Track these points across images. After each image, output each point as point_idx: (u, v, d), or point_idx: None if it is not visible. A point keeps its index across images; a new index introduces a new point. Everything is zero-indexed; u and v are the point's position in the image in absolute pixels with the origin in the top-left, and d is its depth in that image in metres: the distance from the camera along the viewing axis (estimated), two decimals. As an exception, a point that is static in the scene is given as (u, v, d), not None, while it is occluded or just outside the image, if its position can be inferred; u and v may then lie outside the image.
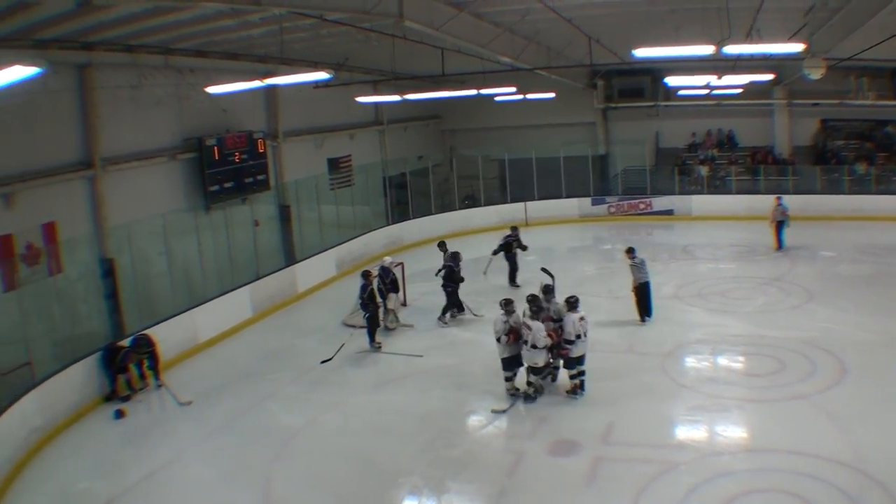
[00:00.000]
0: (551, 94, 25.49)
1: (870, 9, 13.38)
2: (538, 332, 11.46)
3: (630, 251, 15.53)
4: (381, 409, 11.95)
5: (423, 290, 17.96)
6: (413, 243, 23.97)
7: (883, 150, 27.47)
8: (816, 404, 11.05)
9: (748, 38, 13.96)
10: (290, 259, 20.82)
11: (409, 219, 25.23)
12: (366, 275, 15.00)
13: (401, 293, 17.14)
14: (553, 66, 20.64)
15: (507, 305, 11.89)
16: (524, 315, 11.94)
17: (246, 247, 19.06)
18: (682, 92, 25.99)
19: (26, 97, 13.14)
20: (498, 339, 11.71)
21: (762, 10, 13.27)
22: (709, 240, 23.83)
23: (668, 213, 27.59)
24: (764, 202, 23.02)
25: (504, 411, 11.47)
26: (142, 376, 13.58)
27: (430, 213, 25.90)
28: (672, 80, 22.56)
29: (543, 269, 14.66)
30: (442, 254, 17.07)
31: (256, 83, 16.88)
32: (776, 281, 18.30)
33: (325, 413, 12.03)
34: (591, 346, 11.99)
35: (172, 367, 14.48)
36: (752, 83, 22.77)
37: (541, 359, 11.61)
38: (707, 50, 11.62)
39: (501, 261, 18.98)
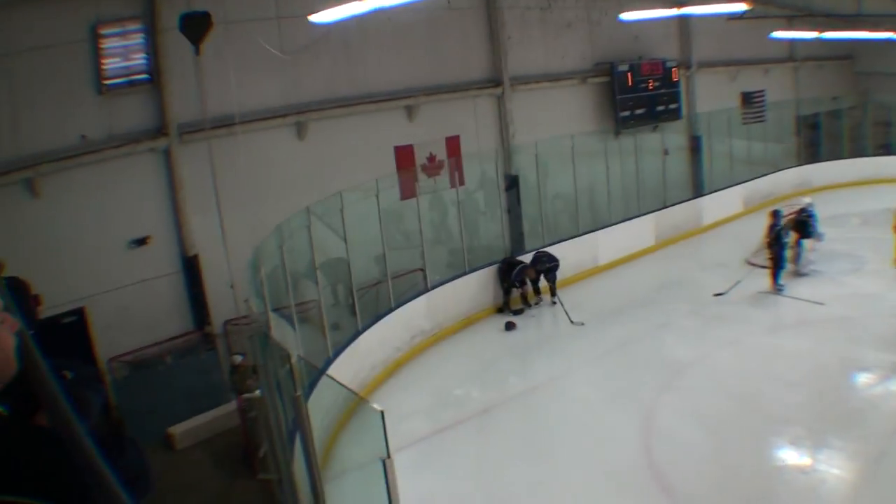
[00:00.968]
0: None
1: None
2: None
3: None
4: (775, 353, 10.92)
5: (831, 237, 15.74)
6: (822, 186, 21.68)
7: None
8: None
9: None
10: (697, 191, 20.09)
11: (820, 161, 23.29)
12: (774, 214, 13.84)
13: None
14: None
15: None
16: None
17: (653, 175, 18.21)
18: None
19: (432, 13, 13.35)
20: None
21: None
22: None
23: None
24: None
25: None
26: (537, 292, 13.31)
27: (840, 157, 23.39)
28: None
29: None
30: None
31: (670, 11, 16.29)
32: None
33: (718, 350, 11.23)
34: None
35: (569, 286, 14.12)
36: None
37: None
38: None
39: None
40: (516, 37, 15.55)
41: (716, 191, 19.39)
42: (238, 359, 9.35)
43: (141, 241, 10.73)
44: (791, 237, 13.89)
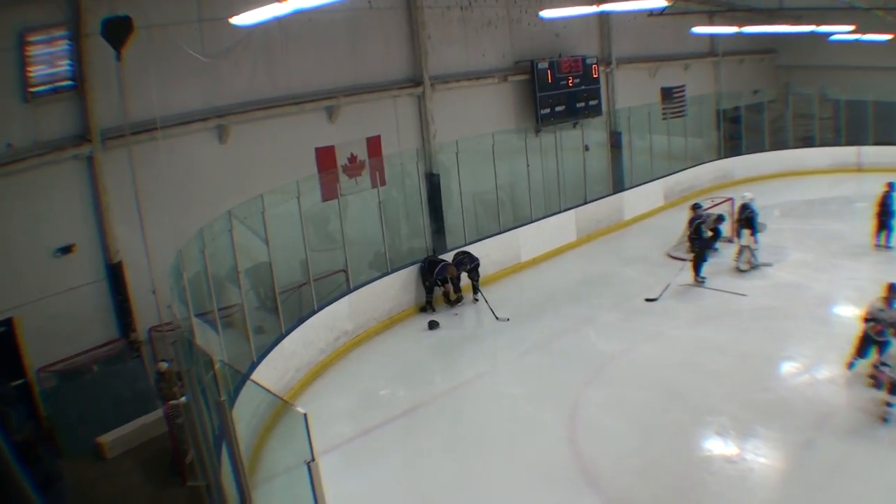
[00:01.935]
0: (888, 37, 20.53)
1: None
2: None
3: None
4: (698, 345, 11.17)
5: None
6: (743, 179, 22.34)
7: None
8: None
9: None
10: (618, 186, 20.45)
11: (741, 154, 23.85)
12: (694, 208, 14.28)
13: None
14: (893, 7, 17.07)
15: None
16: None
17: (574, 171, 18.54)
18: None
19: (353, 14, 13.40)
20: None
21: None
22: None
23: None
24: None
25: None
26: (457, 290, 13.50)
27: (762, 150, 24.08)
28: None
29: None
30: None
31: (590, 9, 16.24)
32: None
33: (642, 343, 11.44)
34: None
35: (492, 283, 14.38)
36: None
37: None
38: None
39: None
40: (437, 36, 15.68)
41: (636, 186, 19.71)
42: (164, 365, 9.37)
43: (66, 249, 10.58)
44: (745, 235, 14.11)
